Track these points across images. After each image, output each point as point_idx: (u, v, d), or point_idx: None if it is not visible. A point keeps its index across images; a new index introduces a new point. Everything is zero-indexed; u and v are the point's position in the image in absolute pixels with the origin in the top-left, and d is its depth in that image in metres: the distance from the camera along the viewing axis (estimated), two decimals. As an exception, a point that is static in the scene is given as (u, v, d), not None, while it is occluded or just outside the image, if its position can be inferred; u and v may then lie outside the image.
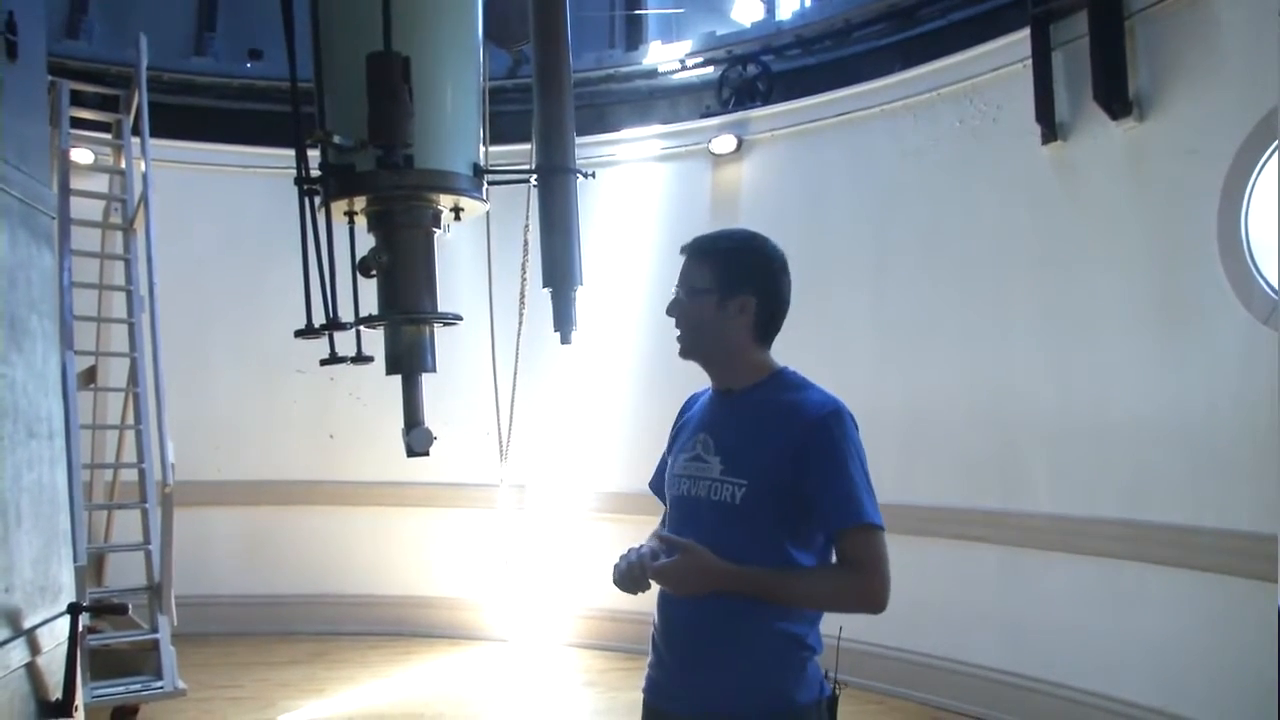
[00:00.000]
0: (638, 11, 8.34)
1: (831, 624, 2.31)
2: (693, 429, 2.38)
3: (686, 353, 2.37)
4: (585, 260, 2.84)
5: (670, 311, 2.36)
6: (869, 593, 2.17)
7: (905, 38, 6.72)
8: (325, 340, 2.79)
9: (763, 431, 2.25)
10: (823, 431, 2.19)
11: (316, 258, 2.70)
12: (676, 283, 2.37)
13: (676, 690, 2.29)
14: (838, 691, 2.26)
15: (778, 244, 2.39)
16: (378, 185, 2.57)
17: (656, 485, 2.58)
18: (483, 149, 2.84)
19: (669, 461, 2.45)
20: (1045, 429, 5.40)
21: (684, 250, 2.38)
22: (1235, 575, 4.37)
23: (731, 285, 2.29)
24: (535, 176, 2.86)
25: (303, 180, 2.67)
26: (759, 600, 2.17)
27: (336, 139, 2.44)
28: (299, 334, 2.77)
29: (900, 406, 6.04)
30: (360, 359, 2.87)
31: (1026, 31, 5.37)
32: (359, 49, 2.46)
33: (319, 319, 2.75)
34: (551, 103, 2.82)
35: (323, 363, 2.82)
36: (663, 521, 2.45)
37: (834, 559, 2.24)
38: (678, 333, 2.36)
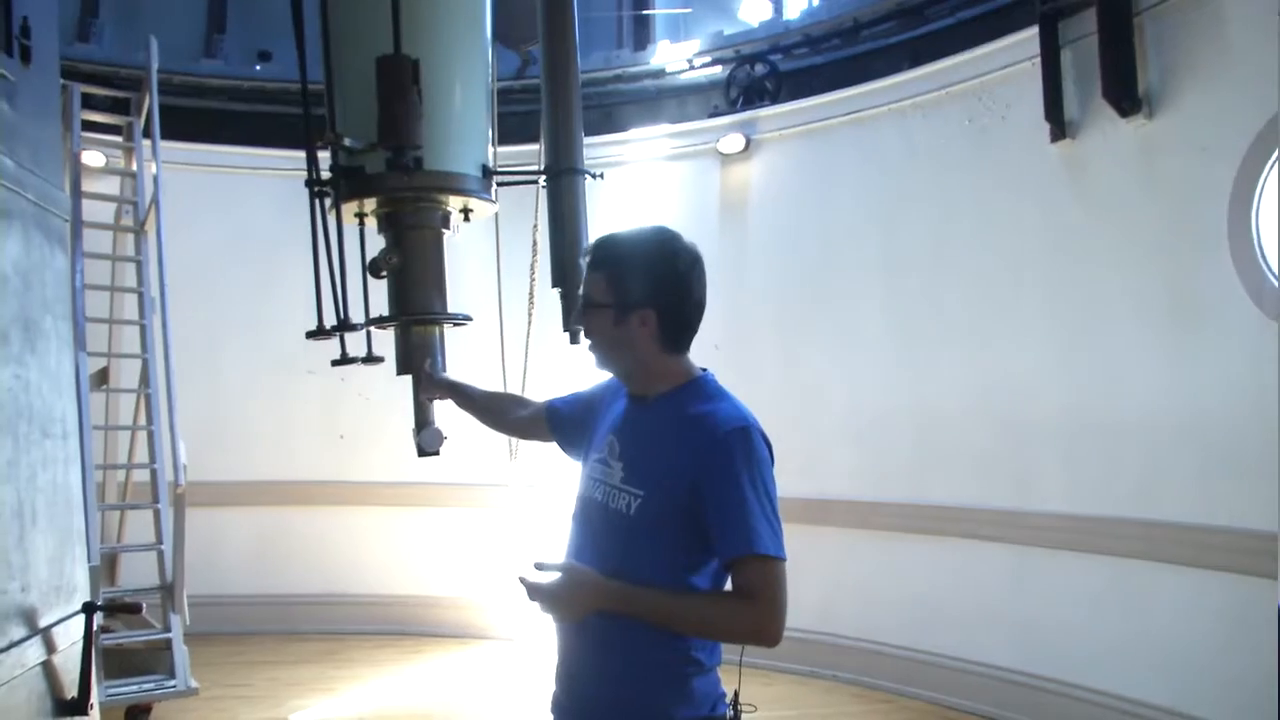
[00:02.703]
0: (645, 12, 8.34)
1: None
2: (605, 429, 2.26)
3: (598, 365, 2.26)
4: (594, 260, 2.85)
5: (574, 323, 2.27)
6: (758, 626, 2.01)
7: (914, 36, 6.71)
8: (336, 340, 2.81)
9: (665, 443, 2.11)
10: (722, 451, 2.02)
11: (327, 259, 2.72)
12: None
13: (563, 701, 2.25)
14: (739, 712, 2.15)
15: (690, 241, 2.23)
16: (387, 187, 2.58)
17: (553, 403, 2.54)
18: (492, 149, 2.85)
19: (584, 456, 2.34)
20: (1056, 428, 5.39)
21: (582, 255, 2.25)
22: (1248, 574, 4.35)
23: (628, 298, 2.13)
24: (544, 177, 2.86)
25: (313, 182, 2.69)
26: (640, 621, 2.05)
27: (347, 141, 2.44)
28: (310, 335, 2.79)
29: (911, 405, 6.04)
30: (371, 359, 2.89)
31: (1035, 29, 5.35)
32: (369, 52, 2.48)
33: (329, 320, 2.77)
34: (560, 104, 2.83)
35: (334, 363, 2.84)
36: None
37: (728, 585, 2.09)
38: (587, 343, 2.24)
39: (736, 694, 2.16)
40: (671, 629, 2.06)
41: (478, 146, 2.73)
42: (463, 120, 2.69)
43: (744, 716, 2.18)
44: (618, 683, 2.11)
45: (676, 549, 2.07)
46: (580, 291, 2.23)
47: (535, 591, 2.12)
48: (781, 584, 2.00)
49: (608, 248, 2.21)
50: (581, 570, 2.12)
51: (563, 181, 2.81)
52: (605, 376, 2.37)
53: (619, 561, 2.09)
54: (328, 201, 2.71)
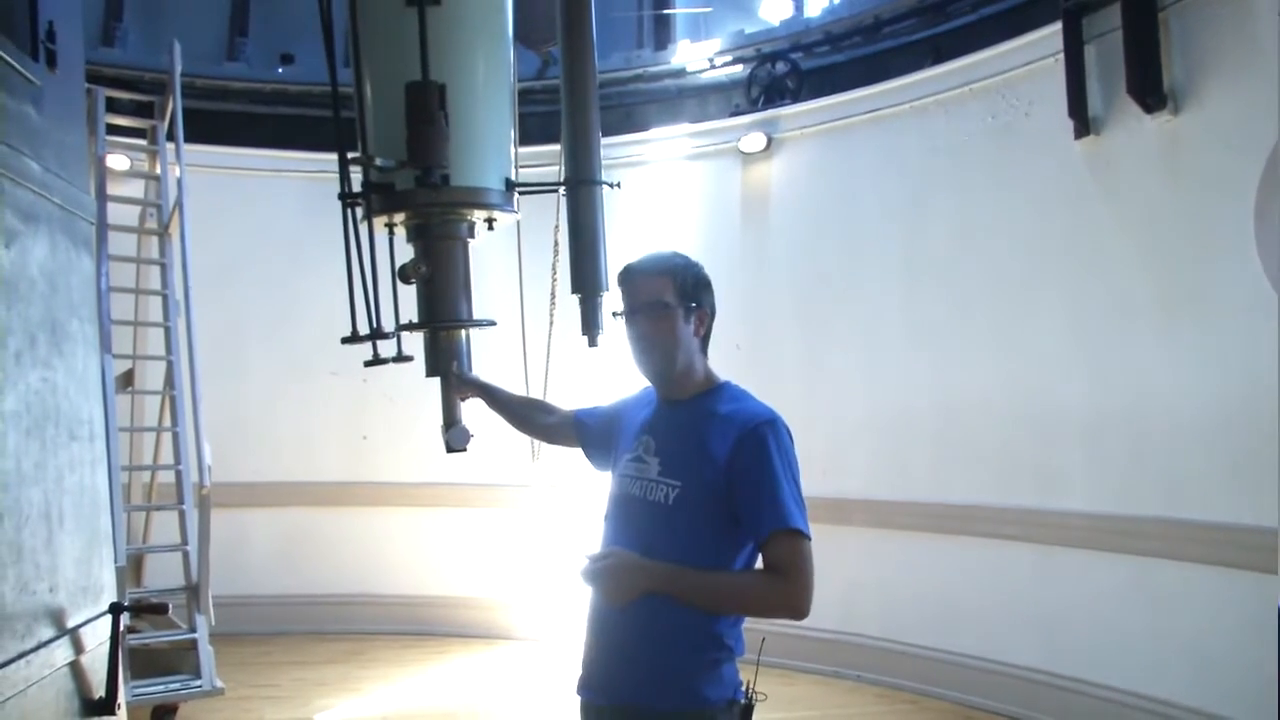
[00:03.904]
0: (666, 11, 8.34)
1: (753, 638, 2.34)
2: (637, 431, 2.46)
3: (654, 367, 2.40)
4: (614, 262, 2.90)
5: (637, 332, 2.37)
6: (791, 598, 2.21)
7: (936, 33, 6.69)
8: (367, 344, 2.92)
9: (700, 437, 2.31)
10: (755, 439, 2.25)
11: (359, 267, 2.82)
12: (627, 305, 2.40)
13: (599, 680, 2.38)
14: (754, 700, 2.30)
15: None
16: (416, 203, 2.70)
17: (579, 415, 2.74)
18: (513, 151, 2.91)
19: (614, 460, 2.52)
20: (1080, 426, 5.35)
21: (630, 273, 2.40)
22: (1272, 573, 4.31)
23: (690, 299, 2.37)
24: (563, 188, 2.95)
25: (346, 195, 2.80)
26: (682, 600, 2.23)
27: (378, 161, 2.56)
28: (345, 341, 2.91)
29: (933, 404, 6.02)
30: (401, 358, 3.00)
31: (1058, 25, 5.32)
32: (397, 73, 2.60)
33: (361, 325, 2.88)
34: (578, 114, 2.91)
35: (367, 364, 2.96)
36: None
37: (759, 566, 2.29)
38: (635, 349, 2.39)
39: (750, 683, 2.32)
40: (711, 605, 2.25)
41: (501, 160, 2.82)
42: (487, 137, 2.79)
43: (755, 704, 2.33)
44: (656, 664, 2.25)
45: (713, 533, 2.27)
46: (640, 299, 2.37)
47: (592, 576, 2.31)
48: (810, 559, 2.22)
49: (661, 260, 2.42)
50: (628, 553, 2.30)
51: (580, 192, 2.88)
52: (633, 388, 2.55)
53: (664, 549, 2.27)
54: (358, 212, 2.81)
